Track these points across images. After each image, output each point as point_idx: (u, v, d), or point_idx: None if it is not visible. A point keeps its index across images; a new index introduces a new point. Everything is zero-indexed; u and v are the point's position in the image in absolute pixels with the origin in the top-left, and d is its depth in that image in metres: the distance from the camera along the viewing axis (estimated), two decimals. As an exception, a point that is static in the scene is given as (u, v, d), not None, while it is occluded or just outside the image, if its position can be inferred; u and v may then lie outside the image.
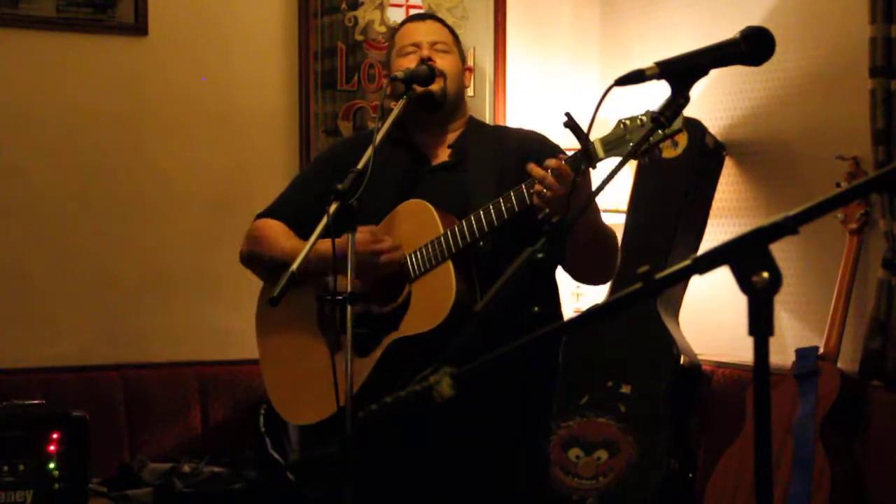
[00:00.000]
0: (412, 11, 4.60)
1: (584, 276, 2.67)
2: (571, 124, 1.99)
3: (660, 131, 2.18)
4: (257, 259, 2.76)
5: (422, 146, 2.71)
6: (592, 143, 2.26)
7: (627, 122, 2.25)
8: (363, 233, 2.50)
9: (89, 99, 4.19)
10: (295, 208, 2.74)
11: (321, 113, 4.50)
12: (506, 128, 2.84)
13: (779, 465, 3.49)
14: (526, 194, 2.37)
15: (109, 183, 4.22)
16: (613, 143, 2.26)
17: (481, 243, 2.47)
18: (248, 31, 4.43)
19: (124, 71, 4.24)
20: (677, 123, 2.16)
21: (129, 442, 4.06)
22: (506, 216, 2.41)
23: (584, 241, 2.46)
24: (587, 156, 2.24)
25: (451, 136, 2.72)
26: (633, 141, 2.20)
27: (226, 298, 4.28)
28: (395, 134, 2.72)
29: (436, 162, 2.70)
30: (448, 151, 2.70)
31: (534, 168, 2.32)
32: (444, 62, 2.67)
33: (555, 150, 2.66)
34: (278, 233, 2.72)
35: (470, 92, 2.99)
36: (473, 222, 2.45)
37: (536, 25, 4.93)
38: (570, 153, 2.38)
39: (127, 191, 4.25)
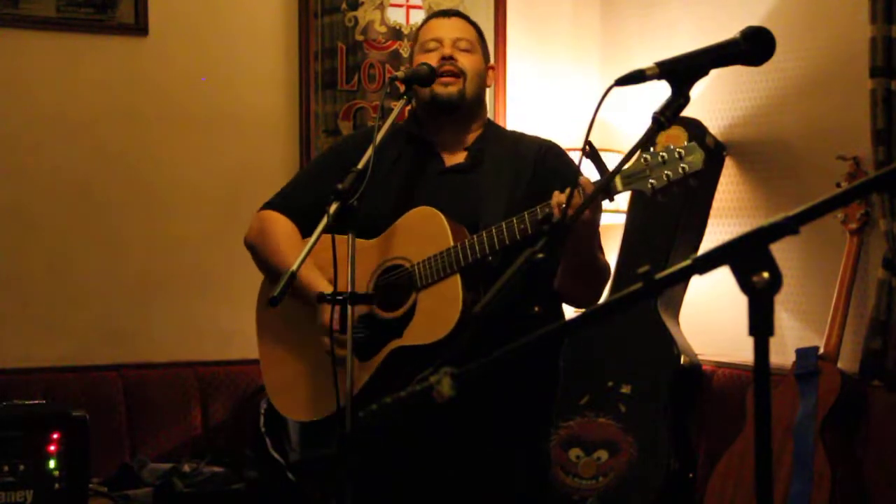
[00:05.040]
0: (412, 12, 4.61)
1: (567, 297, 2.65)
2: (592, 155, 1.97)
3: (681, 169, 2.17)
4: (260, 255, 2.76)
5: (437, 145, 2.70)
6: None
7: (648, 157, 2.23)
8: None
9: (89, 99, 4.19)
10: (302, 202, 2.72)
11: (321, 113, 4.50)
12: (523, 135, 2.81)
13: (779, 466, 3.49)
14: (540, 217, 2.37)
15: (109, 183, 4.22)
16: (633, 177, 2.25)
17: (490, 258, 2.46)
18: (249, 31, 4.43)
19: (124, 71, 4.24)
20: (698, 163, 2.15)
21: (129, 442, 4.06)
22: (518, 237, 2.39)
23: (576, 267, 2.47)
24: (606, 188, 2.23)
25: (469, 138, 2.70)
26: (653, 177, 2.19)
27: (226, 298, 4.28)
28: (411, 130, 2.71)
29: (450, 163, 2.68)
30: (464, 153, 2.68)
31: (556, 194, 2.32)
32: (465, 61, 2.65)
33: (570, 165, 2.66)
34: (285, 237, 2.71)
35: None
36: (485, 239, 2.43)
37: (536, 25, 4.92)
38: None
39: (127, 191, 4.25)
